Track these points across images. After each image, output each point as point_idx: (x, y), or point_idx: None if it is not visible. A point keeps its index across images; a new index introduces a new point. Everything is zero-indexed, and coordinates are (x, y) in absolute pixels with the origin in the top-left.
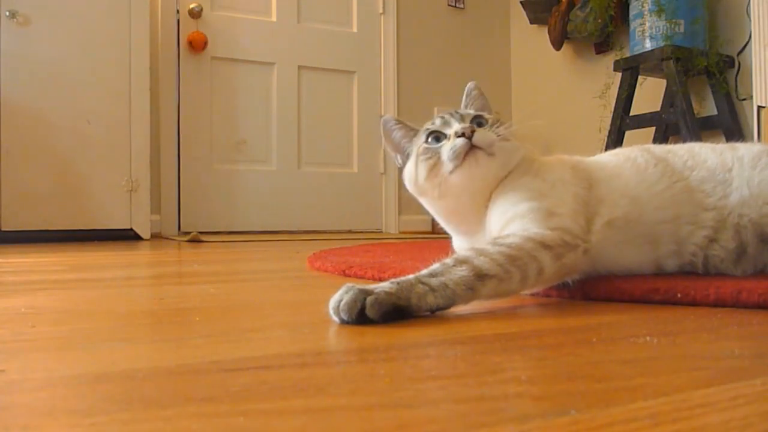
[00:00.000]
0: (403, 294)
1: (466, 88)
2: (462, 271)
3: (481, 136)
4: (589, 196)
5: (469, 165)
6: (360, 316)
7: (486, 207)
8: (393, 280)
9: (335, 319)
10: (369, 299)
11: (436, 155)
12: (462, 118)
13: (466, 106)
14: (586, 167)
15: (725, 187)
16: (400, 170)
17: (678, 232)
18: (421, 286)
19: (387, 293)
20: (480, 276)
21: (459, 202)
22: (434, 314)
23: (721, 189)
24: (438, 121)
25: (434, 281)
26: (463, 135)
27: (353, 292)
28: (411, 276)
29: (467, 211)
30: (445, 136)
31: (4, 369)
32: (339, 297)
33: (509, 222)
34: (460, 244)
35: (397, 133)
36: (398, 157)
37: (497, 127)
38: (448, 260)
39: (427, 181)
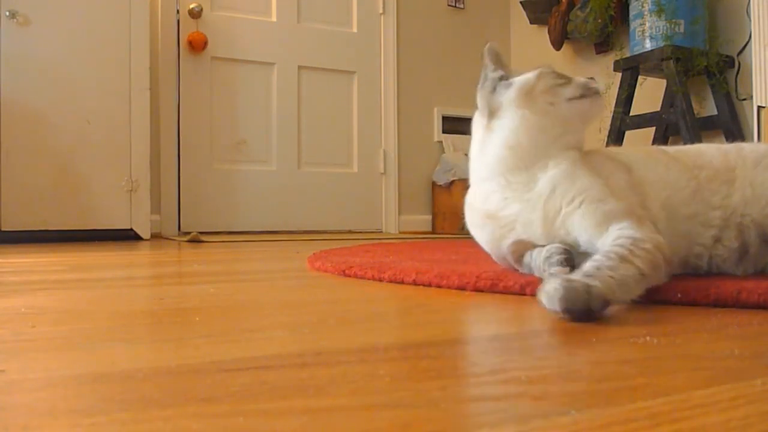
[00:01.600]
0: (605, 289)
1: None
2: (632, 269)
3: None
4: (634, 181)
5: (592, 101)
6: (586, 308)
7: (546, 159)
8: (581, 271)
9: (557, 308)
10: (594, 291)
11: (566, 79)
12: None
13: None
14: (619, 157)
15: (729, 186)
16: (491, 83)
17: (694, 230)
18: (609, 279)
19: (599, 289)
20: (642, 276)
21: (553, 126)
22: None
23: (725, 188)
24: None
25: (617, 275)
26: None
27: (576, 285)
28: (591, 267)
29: (548, 140)
30: (566, 76)
31: (4, 369)
32: (557, 290)
33: (604, 221)
34: (495, 206)
35: (502, 59)
36: (499, 71)
37: None
38: (611, 255)
39: (547, 93)
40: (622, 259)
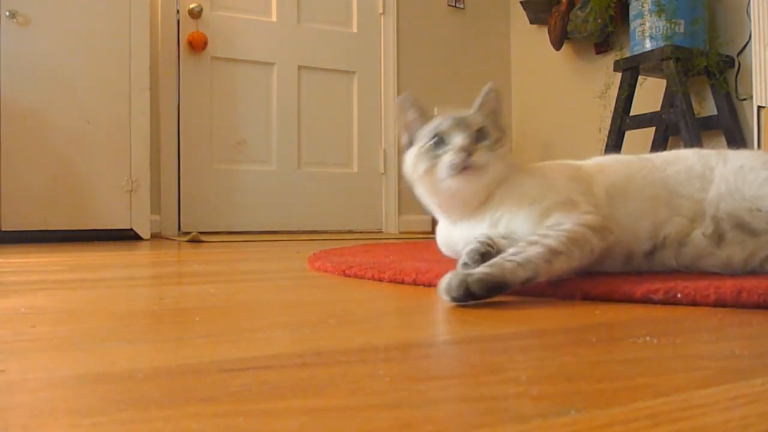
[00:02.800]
0: (498, 272)
1: (484, 89)
2: (538, 249)
3: (478, 156)
4: (581, 175)
5: (463, 179)
6: (466, 293)
7: (478, 205)
8: (486, 263)
9: (446, 298)
10: (471, 279)
11: (435, 160)
12: (468, 127)
13: (478, 107)
14: (571, 162)
15: (704, 182)
16: (405, 148)
17: (657, 211)
18: (509, 263)
19: (485, 273)
20: (553, 252)
21: (451, 202)
22: (524, 285)
23: (698, 183)
24: (445, 125)
25: (518, 258)
26: (463, 151)
27: (459, 276)
28: (498, 258)
29: (457, 208)
30: (445, 145)
31: (4, 369)
32: (447, 281)
33: (542, 217)
34: (447, 232)
35: (411, 114)
36: (405, 136)
37: (498, 142)
38: (521, 244)
39: (425, 176)
40: (530, 243)
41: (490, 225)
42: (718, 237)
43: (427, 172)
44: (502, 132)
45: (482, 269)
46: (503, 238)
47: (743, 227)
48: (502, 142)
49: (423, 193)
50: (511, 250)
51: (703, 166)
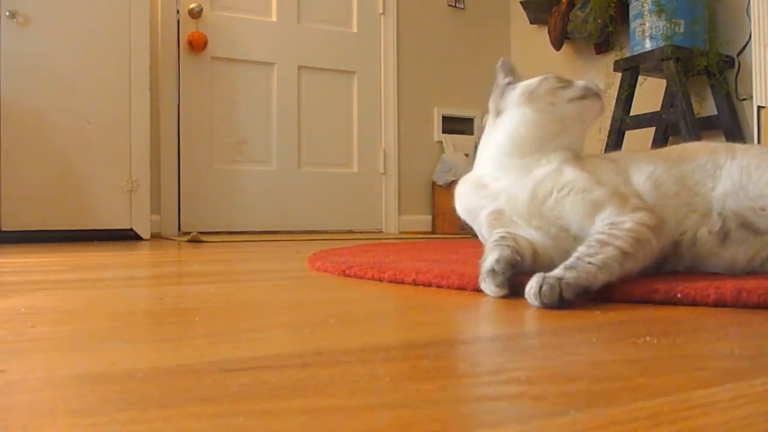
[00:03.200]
0: (584, 276)
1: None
2: (612, 251)
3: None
4: (618, 167)
5: (592, 102)
6: (560, 299)
7: (541, 154)
8: (561, 268)
9: (535, 303)
10: (563, 284)
11: (568, 83)
12: None
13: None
14: (609, 156)
15: (714, 180)
16: (491, 116)
17: (680, 211)
18: (590, 266)
19: (575, 278)
20: (625, 254)
21: (551, 124)
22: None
23: (710, 181)
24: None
25: (597, 261)
26: (592, 85)
27: (550, 281)
28: (575, 260)
29: (545, 136)
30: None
31: (4, 369)
32: (537, 285)
33: (593, 209)
34: (476, 191)
35: (509, 80)
36: (500, 102)
37: None
38: (591, 244)
39: (548, 94)
40: (601, 243)
41: (531, 196)
42: (724, 235)
43: (554, 91)
44: None
45: (570, 274)
46: (537, 228)
47: (748, 226)
48: None
49: (535, 107)
50: (583, 250)
51: (713, 164)
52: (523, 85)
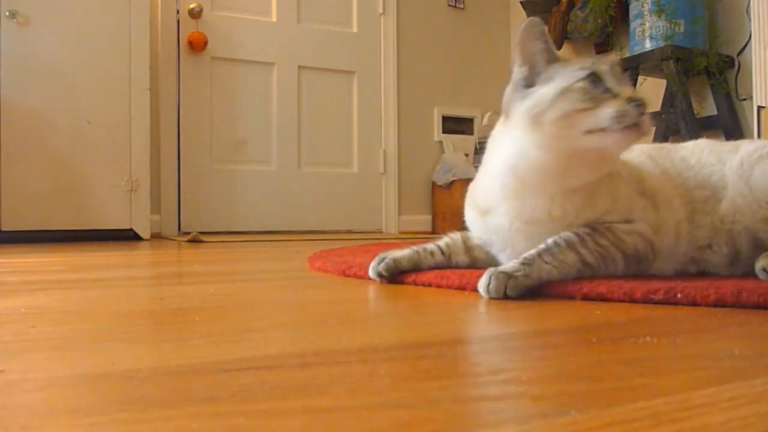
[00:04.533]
0: (535, 275)
1: (613, 60)
2: (573, 256)
3: (648, 117)
4: (644, 188)
5: (626, 137)
6: (504, 295)
7: (546, 196)
8: (520, 260)
9: (485, 295)
10: (509, 283)
11: (593, 103)
12: (629, 81)
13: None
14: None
15: (717, 193)
16: (517, 83)
17: (693, 232)
18: (545, 265)
19: (524, 276)
20: (585, 264)
21: (581, 160)
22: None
23: (713, 197)
24: (605, 67)
25: (555, 261)
26: (639, 106)
27: (498, 278)
28: (533, 253)
29: (546, 178)
30: (607, 90)
31: (4, 369)
32: (486, 281)
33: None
34: (476, 223)
35: (539, 44)
36: (524, 69)
37: None
38: (557, 241)
39: (561, 120)
40: (568, 245)
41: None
42: (733, 257)
43: (573, 114)
44: None
45: (519, 270)
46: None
47: (760, 244)
48: None
49: (534, 139)
50: (546, 245)
51: (719, 173)
52: (531, 103)
